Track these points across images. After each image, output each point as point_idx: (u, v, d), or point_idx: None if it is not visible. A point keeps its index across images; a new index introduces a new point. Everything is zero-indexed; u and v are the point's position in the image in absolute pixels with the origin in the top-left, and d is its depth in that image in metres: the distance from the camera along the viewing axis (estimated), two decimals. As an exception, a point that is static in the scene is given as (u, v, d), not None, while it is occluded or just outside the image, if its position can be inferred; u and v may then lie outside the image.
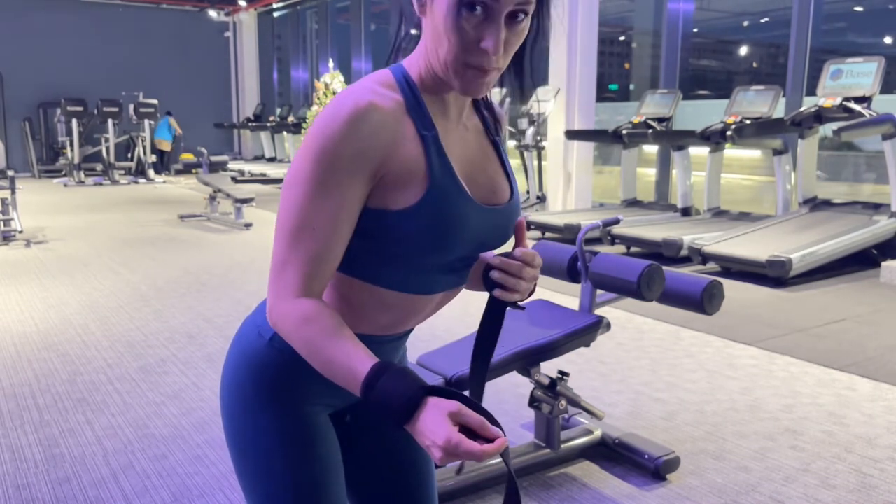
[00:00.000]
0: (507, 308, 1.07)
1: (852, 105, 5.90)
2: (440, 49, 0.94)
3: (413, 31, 1.04)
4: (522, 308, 1.11)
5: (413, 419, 0.87)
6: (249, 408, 1.06)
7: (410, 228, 0.96)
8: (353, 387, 0.91)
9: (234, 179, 9.37)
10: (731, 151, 7.93)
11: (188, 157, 14.10)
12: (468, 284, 1.15)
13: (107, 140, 13.97)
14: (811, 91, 6.89)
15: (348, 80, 11.11)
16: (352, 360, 0.91)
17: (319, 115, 0.94)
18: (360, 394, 0.89)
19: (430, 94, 1.00)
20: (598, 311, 2.61)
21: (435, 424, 0.85)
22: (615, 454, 2.61)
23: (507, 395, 3.20)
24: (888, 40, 8.55)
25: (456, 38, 0.91)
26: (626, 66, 13.34)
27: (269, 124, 15.04)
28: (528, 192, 8.98)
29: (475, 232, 1.02)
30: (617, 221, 2.71)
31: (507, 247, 1.08)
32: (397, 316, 1.07)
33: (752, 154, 9.71)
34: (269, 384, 1.05)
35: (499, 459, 2.43)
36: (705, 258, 5.83)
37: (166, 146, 15.43)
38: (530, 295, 1.09)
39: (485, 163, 1.08)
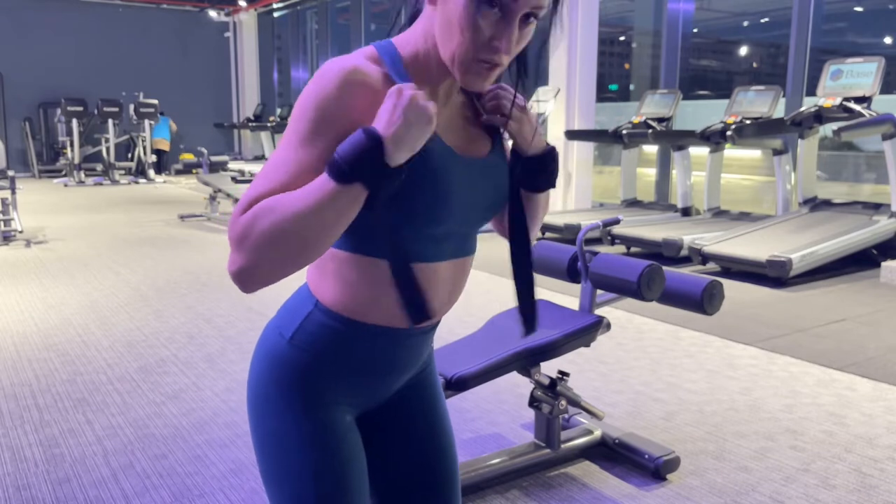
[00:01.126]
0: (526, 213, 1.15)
1: (852, 105, 5.90)
2: (450, 41, 0.95)
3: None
4: (550, 182, 1.20)
5: (378, 133, 0.89)
6: (273, 408, 1.06)
7: (398, 191, 0.95)
8: (326, 194, 0.89)
9: (234, 179, 9.34)
10: (731, 151, 7.93)
11: (188, 157, 14.09)
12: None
13: (107, 140, 13.95)
14: (811, 91, 6.89)
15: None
16: (314, 182, 0.90)
17: (309, 81, 0.97)
18: (335, 180, 0.89)
19: (419, 74, 1.01)
20: (598, 311, 2.61)
21: (389, 104, 0.90)
22: (615, 454, 2.62)
23: (507, 395, 3.20)
24: (888, 40, 8.54)
25: (470, 34, 0.93)
26: (626, 66, 13.33)
27: (269, 124, 15.02)
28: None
29: (463, 186, 1.01)
30: (617, 221, 2.72)
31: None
32: None
33: (752, 154, 9.71)
34: (292, 384, 1.06)
35: (499, 459, 2.44)
36: (705, 258, 5.83)
37: (165, 146, 15.42)
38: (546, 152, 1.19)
39: (467, 126, 1.08)
